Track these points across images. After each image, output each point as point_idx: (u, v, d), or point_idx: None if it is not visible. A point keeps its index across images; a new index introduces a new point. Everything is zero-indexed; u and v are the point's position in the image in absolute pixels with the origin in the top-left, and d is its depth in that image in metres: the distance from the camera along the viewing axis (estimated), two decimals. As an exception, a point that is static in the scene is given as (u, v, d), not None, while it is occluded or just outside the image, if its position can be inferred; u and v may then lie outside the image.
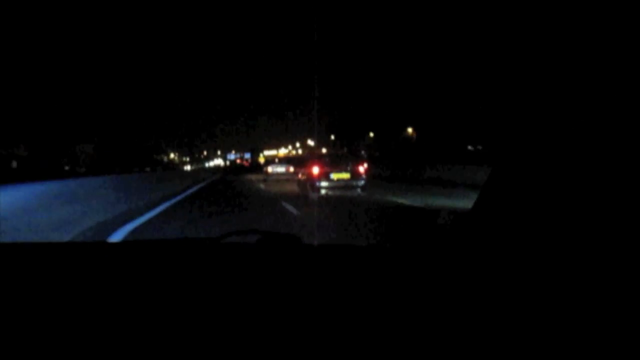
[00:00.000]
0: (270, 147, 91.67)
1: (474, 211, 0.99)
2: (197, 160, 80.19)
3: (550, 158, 0.84)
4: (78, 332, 0.78)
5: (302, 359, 0.73)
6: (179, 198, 11.86)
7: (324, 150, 66.35)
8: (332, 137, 57.24)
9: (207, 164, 72.83)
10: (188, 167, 62.28)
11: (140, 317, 0.83)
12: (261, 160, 73.78)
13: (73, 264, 1.15)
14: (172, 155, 65.88)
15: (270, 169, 25.61)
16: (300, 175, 12.48)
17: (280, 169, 25.33)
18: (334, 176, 10.90)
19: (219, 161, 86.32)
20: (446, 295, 0.86)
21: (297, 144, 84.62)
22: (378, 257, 1.17)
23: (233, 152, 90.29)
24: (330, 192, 10.68)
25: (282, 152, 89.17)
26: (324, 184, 10.78)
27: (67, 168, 28.75)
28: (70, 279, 1.02)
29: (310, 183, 10.83)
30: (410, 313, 0.82)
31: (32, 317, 0.82)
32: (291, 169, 24.64)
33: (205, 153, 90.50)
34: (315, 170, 10.73)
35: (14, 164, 22.99)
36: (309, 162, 11.39)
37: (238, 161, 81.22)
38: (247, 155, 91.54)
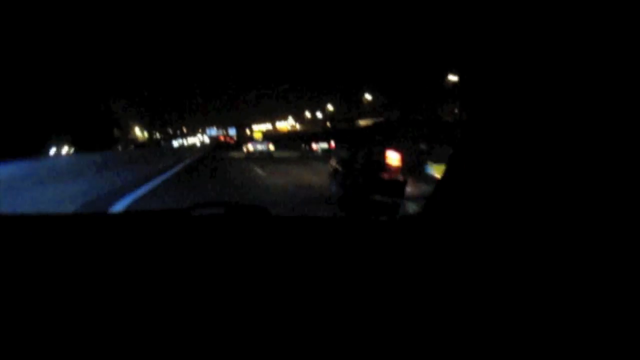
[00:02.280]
0: (259, 121, 79.91)
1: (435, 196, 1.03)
2: (168, 137, 67.94)
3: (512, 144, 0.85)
4: (56, 300, 0.88)
5: (270, 333, 0.80)
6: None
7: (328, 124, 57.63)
8: (330, 107, 53.94)
9: (175, 142, 60.37)
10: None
11: (109, 289, 0.91)
12: (257, 136, 63.59)
13: (46, 235, 1.23)
14: (137, 132, 52.87)
15: (251, 147, 28.73)
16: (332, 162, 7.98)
17: (261, 147, 28.44)
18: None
19: (195, 139, 73.31)
20: (412, 273, 0.92)
21: (289, 118, 73.79)
22: (343, 230, 1.25)
23: (214, 128, 77.94)
24: None
25: (282, 125, 78.25)
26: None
27: None
28: (46, 250, 1.11)
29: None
30: (374, 291, 0.88)
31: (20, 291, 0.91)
32: (271, 147, 28.47)
33: (180, 130, 77.26)
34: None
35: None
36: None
37: (221, 138, 70.16)
38: (232, 131, 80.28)
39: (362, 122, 43.01)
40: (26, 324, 0.83)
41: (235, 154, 28.65)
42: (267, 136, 52.44)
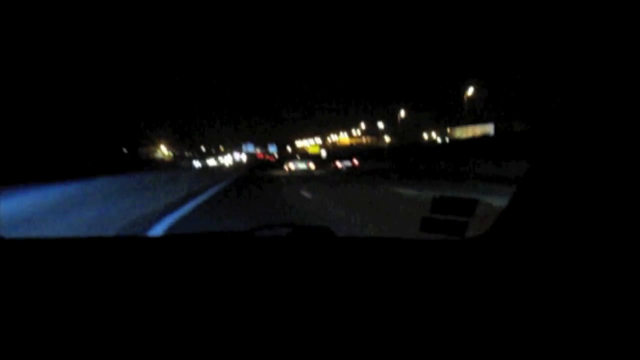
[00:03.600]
0: (304, 136, 72.86)
1: (511, 209, 1.05)
2: (200, 155, 61.13)
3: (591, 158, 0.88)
4: (110, 324, 0.91)
5: (336, 349, 0.83)
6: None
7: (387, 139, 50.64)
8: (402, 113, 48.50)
9: (197, 162, 53.02)
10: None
11: (172, 311, 0.95)
12: (313, 150, 57.32)
13: (105, 258, 1.27)
14: (163, 149, 46.09)
15: (292, 166, 30.74)
16: None
17: (302, 165, 30.80)
18: None
19: (225, 158, 65.67)
20: (482, 297, 0.94)
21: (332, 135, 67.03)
22: (411, 251, 1.26)
23: (251, 144, 71.10)
24: None
25: (343, 137, 71.76)
26: None
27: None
28: (102, 273, 1.14)
29: None
30: (443, 312, 0.90)
31: (57, 312, 0.95)
32: (311, 165, 31.03)
33: (207, 148, 71.02)
34: None
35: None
36: None
37: (260, 156, 63.46)
38: (273, 149, 73.56)
39: (461, 133, 35.69)
40: (66, 348, 0.86)
41: (275, 172, 29.11)
42: (337, 153, 47.27)
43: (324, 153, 57.56)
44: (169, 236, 2.37)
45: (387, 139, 51.69)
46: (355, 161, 35.85)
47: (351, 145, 65.80)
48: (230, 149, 73.65)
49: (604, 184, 0.85)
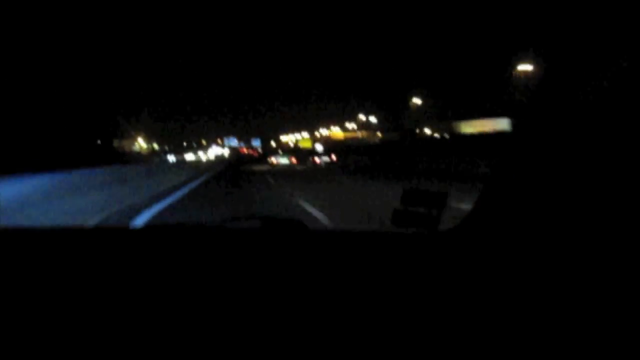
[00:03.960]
0: (289, 131, 70.34)
1: (479, 206, 1.08)
2: (179, 150, 58.22)
3: (557, 155, 0.90)
4: (83, 318, 0.92)
5: (310, 349, 0.84)
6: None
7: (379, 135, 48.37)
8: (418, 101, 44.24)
9: (187, 156, 50.02)
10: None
11: (142, 302, 0.96)
12: (305, 144, 54.85)
13: (76, 249, 1.28)
14: (141, 142, 43.26)
15: (274, 160, 32.31)
16: None
17: (283, 160, 31.91)
18: None
19: (209, 152, 61.89)
20: (454, 290, 0.95)
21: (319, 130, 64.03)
22: (382, 244, 1.27)
23: (234, 138, 68.29)
24: None
25: (336, 131, 68.64)
26: None
27: None
28: (74, 265, 1.15)
29: None
30: (418, 307, 0.91)
31: (40, 303, 0.96)
32: (294, 160, 32.33)
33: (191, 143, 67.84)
34: None
35: None
36: None
37: (243, 150, 61.11)
38: (256, 143, 71.11)
39: (467, 128, 33.55)
40: (43, 340, 0.87)
41: (258, 167, 29.21)
42: (336, 149, 44.82)
43: (319, 147, 54.59)
44: (143, 228, 2.19)
45: (379, 134, 49.50)
46: (334, 157, 38.29)
47: (346, 140, 61.88)
48: (212, 142, 70.48)
49: (574, 176, 0.87)
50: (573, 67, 0.86)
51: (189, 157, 52.98)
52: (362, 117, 58.91)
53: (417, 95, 40.49)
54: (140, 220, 6.93)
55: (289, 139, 73.52)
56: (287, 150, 54.28)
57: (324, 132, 70.05)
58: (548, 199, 0.91)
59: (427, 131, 42.90)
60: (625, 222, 0.79)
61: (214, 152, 66.20)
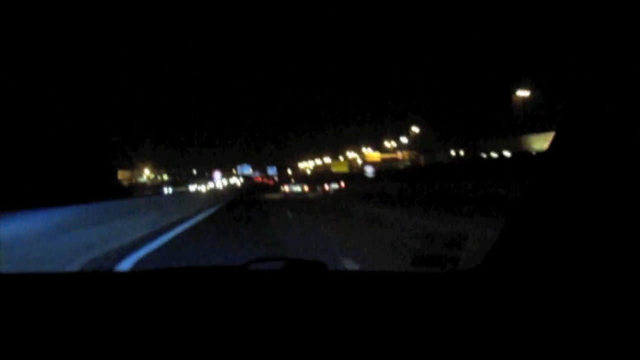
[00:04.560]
0: (306, 157, 66.20)
1: (500, 243, 1.07)
2: (181, 180, 53.84)
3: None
4: None
5: None
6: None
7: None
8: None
9: (192, 187, 45.53)
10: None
11: (167, 350, 0.96)
12: (339, 169, 50.57)
13: (87, 294, 1.30)
14: (147, 173, 39.55)
15: (287, 189, 32.83)
16: None
17: (296, 188, 32.79)
18: None
19: (217, 181, 56.08)
20: (473, 332, 0.95)
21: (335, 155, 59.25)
22: (407, 286, 1.27)
23: (247, 166, 64.35)
24: None
25: (371, 152, 62.22)
26: None
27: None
28: (87, 310, 1.16)
29: None
30: (437, 349, 0.91)
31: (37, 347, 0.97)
32: (306, 188, 32.98)
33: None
34: None
35: None
36: None
37: (258, 179, 57.19)
38: (272, 171, 67.34)
39: (539, 143, 29.38)
40: None
41: (270, 196, 29.39)
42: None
43: (369, 171, 46.90)
44: (156, 270, 2.00)
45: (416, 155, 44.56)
46: (342, 183, 39.06)
47: (383, 162, 53.55)
48: (212, 170, 66.02)
49: (596, 216, 0.85)
50: (598, 98, 0.83)
51: (192, 187, 47.69)
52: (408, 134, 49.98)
53: (473, 104, 34.78)
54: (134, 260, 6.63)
55: (307, 165, 69.44)
56: (301, 178, 51.93)
57: (350, 155, 62.83)
58: (571, 237, 0.89)
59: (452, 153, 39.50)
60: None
61: (218, 182, 59.13)
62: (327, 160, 65.00)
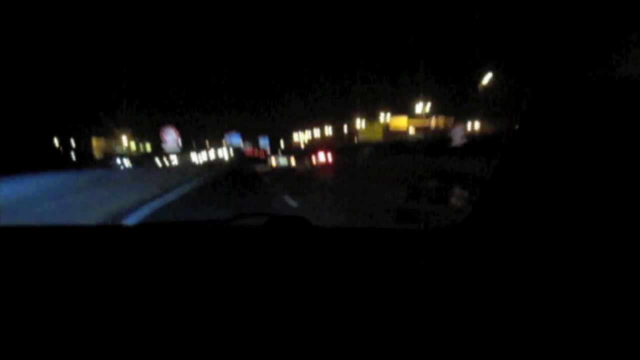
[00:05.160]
0: (305, 125, 61.98)
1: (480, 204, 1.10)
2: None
3: (555, 157, 0.93)
4: (85, 315, 0.96)
5: (314, 346, 0.88)
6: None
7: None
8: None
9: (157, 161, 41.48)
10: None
11: (149, 300, 1.00)
12: (397, 124, 39.09)
13: (85, 247, 1.33)
14: (124, 142, 35.30)
15: (274, 162, 33.27)
16: None
17: (283, 161, 32.97)
18: None
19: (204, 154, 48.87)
20: (454, 288, 0.98)
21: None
22: (386, 241, 1.28)
23: (237, 134, 60.41)
24: None
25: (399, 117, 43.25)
26: None
27: None
28: (81, 262, 1.19)
29: None
30: (418, 303, 0.95)
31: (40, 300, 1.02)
32: (292, 161, 32.32)
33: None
34: None
35: None
36: None
37: (249, 152, 53.61)
38: (264, 142, 63.40)
39: None
40: (42, 338, 0.89)
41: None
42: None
43: (459, 135, 34.48)
44: (143, 225, 2.31)
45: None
46: (329, 156, 33.62)
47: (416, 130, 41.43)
48: (215, 141, 61.71)
49: (573, 175, 0.89)
50: (572, 66, 0.87)
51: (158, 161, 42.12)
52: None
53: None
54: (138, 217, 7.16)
55: (303, 137, 65.51)
56: (295, 150, 47.71)
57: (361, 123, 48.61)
58: (546, 199, 0.93)
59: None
60: (623, 223, 0.81)
61: (204, 154, 52.37)
62: (329, 130, 58.09)
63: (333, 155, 31.71)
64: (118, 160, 31.34)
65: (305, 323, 0.90)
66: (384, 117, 45.86)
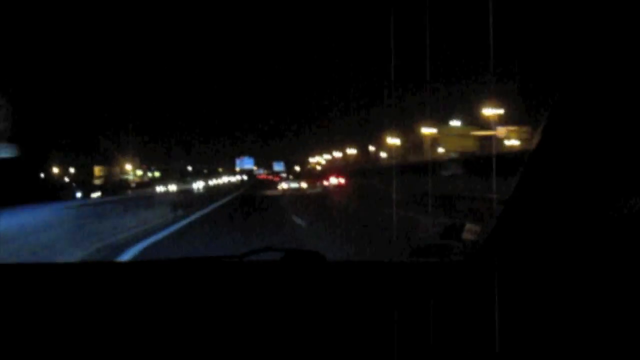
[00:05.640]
0: (318, 151, 59.46)
1: (499, 226, 1.10)
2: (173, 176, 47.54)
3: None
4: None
5: None
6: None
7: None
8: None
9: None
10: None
11: (166, 339, 0.99)
12: (461, 144, 27.57)
13: (88, 284, 1.30)
14: (129, 169, 32.71)
15: (285, 186, 32.83)
16: None
17: (293, 185, 32.48)
18: None
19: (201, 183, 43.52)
20: (478, 320, 0.98)
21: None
22: (402, 275, 1.31)
23: (249, 159, 58.06)
24: None
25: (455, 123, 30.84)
26: None
27: None
28: (88, 300, 1.17)
29: None
30: (435, 336, 0.94)
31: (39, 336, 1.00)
32: (303, 185, 32.24)
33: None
34: None
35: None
36: None
37: (262, 177, 51.14)
38: (279, 167, 61.01)
39: None
40: None
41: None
42: None
43: None
44: (155, 261, 2.21)
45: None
46: (342, 180, 34.68)
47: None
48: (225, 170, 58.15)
49: (590, 205, 0.88)
50: (589, 89, 0.85)
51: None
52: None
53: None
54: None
55: (318, 160, 62.54)
56: (310, 174, 48.15)
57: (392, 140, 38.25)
58: (566, 227, 0.91)
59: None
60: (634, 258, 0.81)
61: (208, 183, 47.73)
62: (351, 150, 52.25)
63: (346, 179, 33.48)
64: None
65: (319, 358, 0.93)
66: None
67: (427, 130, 34.00)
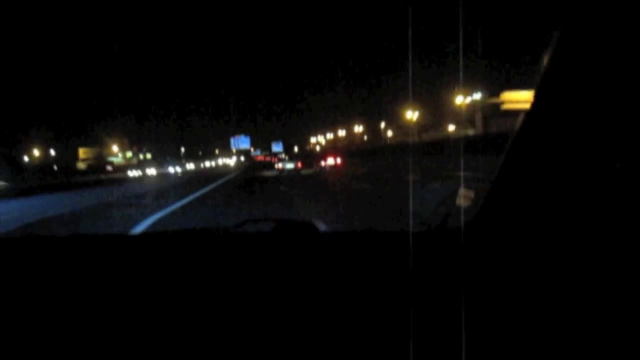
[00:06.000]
0: (320, 130, 56.67)
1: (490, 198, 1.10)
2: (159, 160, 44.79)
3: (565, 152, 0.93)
4: (91, 324, 0.97)
5: (322, 350, 0.91)
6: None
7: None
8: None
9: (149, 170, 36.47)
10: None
11: (155, 308, 1.01)
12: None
13: (93, 256, 1.33)
14: (115, 152, 30.11)
15: (281, 166, 31.75)
16: None
17: (289, 165, 30.54)
18: None
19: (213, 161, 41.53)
20: (469, 288, 0.99)
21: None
22: (397, 245, 1.31)
23: (245, 138, 55.04)
24: None
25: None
26: None
27: None
28: (87, 271, 1.19)
29: None
30: (427, 305, 0.96)
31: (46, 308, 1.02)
32: (299, 165, 30.67)
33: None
34: None
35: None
36: None
37: (259, 158, 48.70)
38: (278, 147, 58.29)
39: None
40: (44, 348, 0.92)
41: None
42: None
43: None
44: (149, 234, 2.18)
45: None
46: (339, 160, 33.16)
47: None
48: (223, 152, 55.01)
49: (582, 174, 0.89)
50: (581, 63, 0.86)
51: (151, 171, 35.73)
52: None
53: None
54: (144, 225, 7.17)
55: (318, 140, 59.69)
56: (308, 155, 45.95)
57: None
58: (554, 199, 0.93)
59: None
60: (628, 222, 0.83)
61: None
62: (359, 127, 49.02)
63: (342, 159, 33.01)
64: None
65: (312, 329, 0.93)
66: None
67: (463, 100, 29.29)
